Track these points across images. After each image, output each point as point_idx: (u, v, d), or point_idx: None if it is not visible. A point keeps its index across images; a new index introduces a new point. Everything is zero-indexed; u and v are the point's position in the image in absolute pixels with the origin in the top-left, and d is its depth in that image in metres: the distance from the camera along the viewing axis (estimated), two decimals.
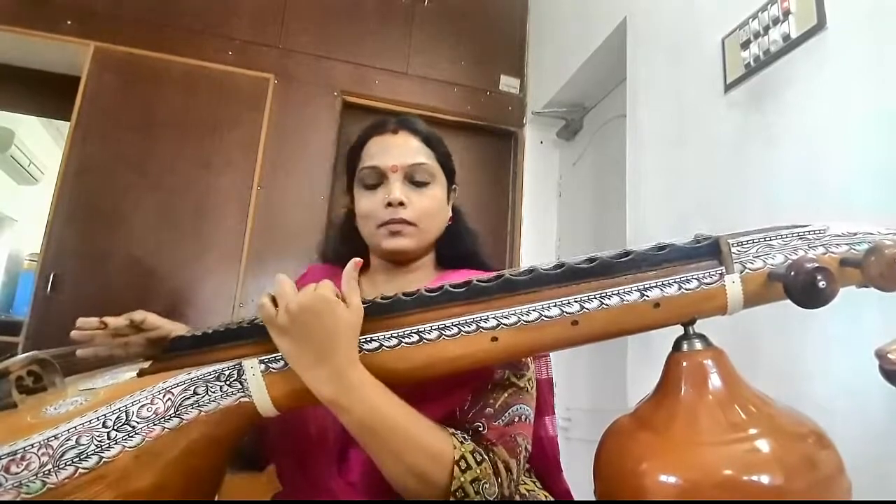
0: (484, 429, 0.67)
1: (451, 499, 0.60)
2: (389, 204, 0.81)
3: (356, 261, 0.64)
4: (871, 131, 1.08)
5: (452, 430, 0.64)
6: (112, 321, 0.74)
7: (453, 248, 0.90)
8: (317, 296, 0.60)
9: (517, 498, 0.77)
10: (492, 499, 0.62)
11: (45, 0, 2.27)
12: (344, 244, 0.92)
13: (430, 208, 0.84)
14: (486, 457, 0.63)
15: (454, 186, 0.93)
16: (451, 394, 0.69)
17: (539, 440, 0.85)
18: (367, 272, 0.91)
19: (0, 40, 2.26)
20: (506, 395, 0.70)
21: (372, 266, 0.90)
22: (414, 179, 0.84)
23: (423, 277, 0.87)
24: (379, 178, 0.84)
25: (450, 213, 0.91)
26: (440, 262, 0.91)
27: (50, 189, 2.20)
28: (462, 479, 0.60)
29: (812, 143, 1.19)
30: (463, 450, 0.62)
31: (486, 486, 0.62)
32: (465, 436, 0.65)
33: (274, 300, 0.61)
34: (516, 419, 0.70)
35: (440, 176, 0.87)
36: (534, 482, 0.83)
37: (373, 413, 0.59)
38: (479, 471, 0.61)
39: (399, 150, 0.84)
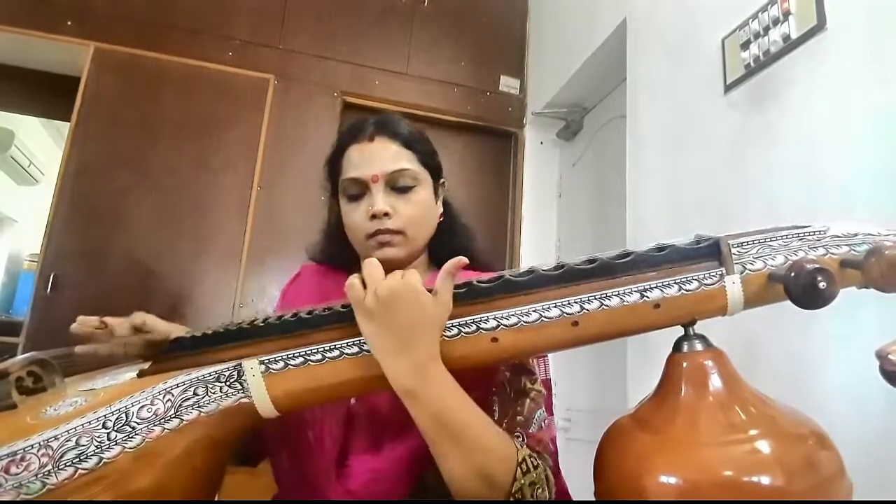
0: (522, 437, 0.68)
1: (511, 499, 0.61)
2: (374, 216, 0.80)
3: (461, 259, 0.61)
4: (870, 131, 1.08)
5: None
6: (112, 321, 0.73)
7: (445, 245, 0.87)
8: (406, 284, 0.58)
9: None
10: None
11: (45, 0, 2.27)
12: (335, 246, 0.91)
13: (416, 215, 0.82)
14: (539, 462, 0.65)
15: (442, 181, 0.90)
16: None
17: None
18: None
19: (0, 40, 2.26)
20: (528, 401, 0.71)
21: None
22: (396, 186, 0.82)
23: None
24: (361, 189, 0.82)
25: (440, 211, 0.89)
26: (433, 260, 0.89)
27: (50, 189, 2.20)
28: (522, 481, 0.61)
29: (812, 143, 1.19)
30: (523, 453, 0.63)
31: (540, 490, 0.63)
32: (521, 441, 0.66)
33: (363, 282, 0.60)
34: (542, 425, 0.71)
35: (424, 177, 0.85)
36: None
37: (449, 410, 0.59)
38: (535, 475, 0.63)
39: (378, 158, 0.82)
